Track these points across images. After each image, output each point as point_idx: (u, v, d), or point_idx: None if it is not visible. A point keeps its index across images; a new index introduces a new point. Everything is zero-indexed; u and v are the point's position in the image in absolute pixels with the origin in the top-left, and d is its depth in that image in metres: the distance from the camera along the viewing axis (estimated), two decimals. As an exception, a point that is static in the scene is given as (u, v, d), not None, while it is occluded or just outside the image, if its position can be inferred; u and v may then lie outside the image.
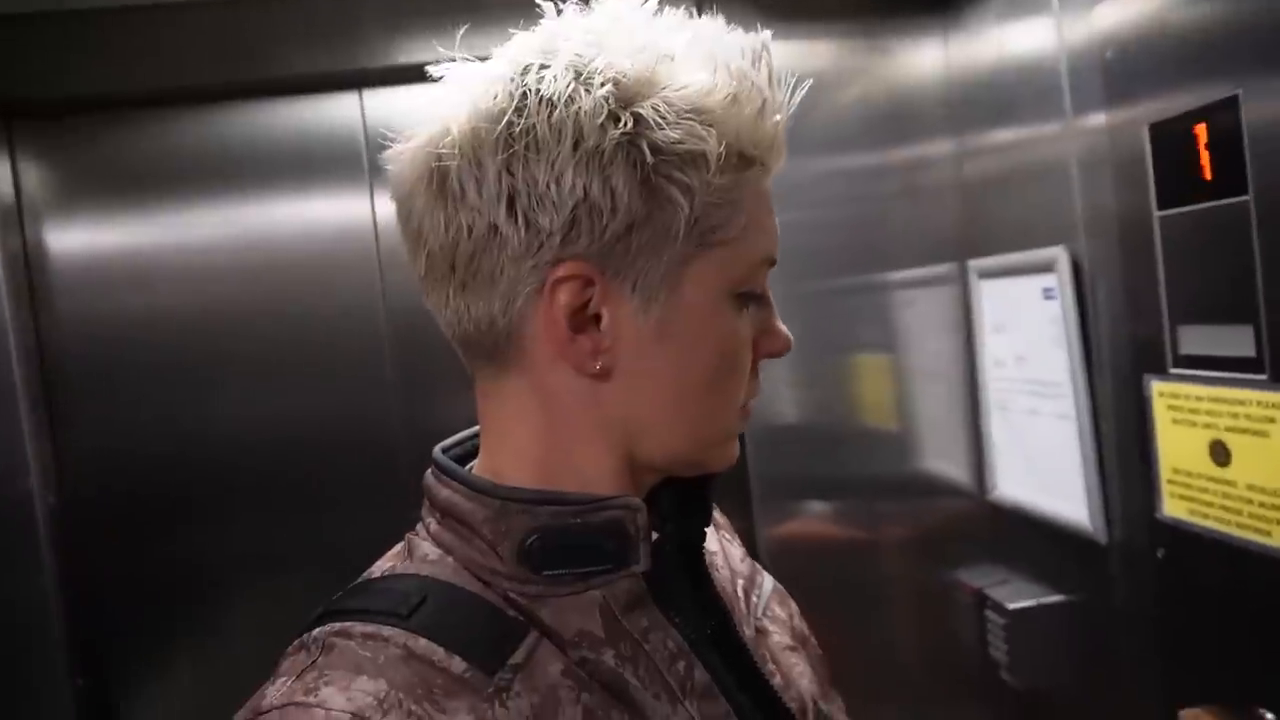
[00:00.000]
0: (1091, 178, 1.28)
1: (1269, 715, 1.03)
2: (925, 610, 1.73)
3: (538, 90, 0.54)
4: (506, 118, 0.54)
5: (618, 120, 0.53)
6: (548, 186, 0.53)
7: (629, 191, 0.53)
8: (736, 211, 0.57)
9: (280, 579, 1.63)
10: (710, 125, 0.54)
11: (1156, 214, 1.13)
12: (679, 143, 0.53)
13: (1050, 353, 1.42)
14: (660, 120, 0.53)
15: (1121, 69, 1.17)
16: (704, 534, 0.67)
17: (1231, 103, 0.99)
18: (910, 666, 1.72)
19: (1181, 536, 1.16)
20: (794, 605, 0.77)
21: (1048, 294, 1.41)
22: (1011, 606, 1.53)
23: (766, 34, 0.59)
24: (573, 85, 0.54)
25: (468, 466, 0.63)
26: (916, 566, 1.73)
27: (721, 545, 0.74)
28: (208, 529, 1.65)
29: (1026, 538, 1.56)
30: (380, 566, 0.62)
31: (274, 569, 1.64)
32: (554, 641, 0.56)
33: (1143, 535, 1.25)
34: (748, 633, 0.67)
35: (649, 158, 0.53)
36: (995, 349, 1.60)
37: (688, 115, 0.54)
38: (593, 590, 0.57)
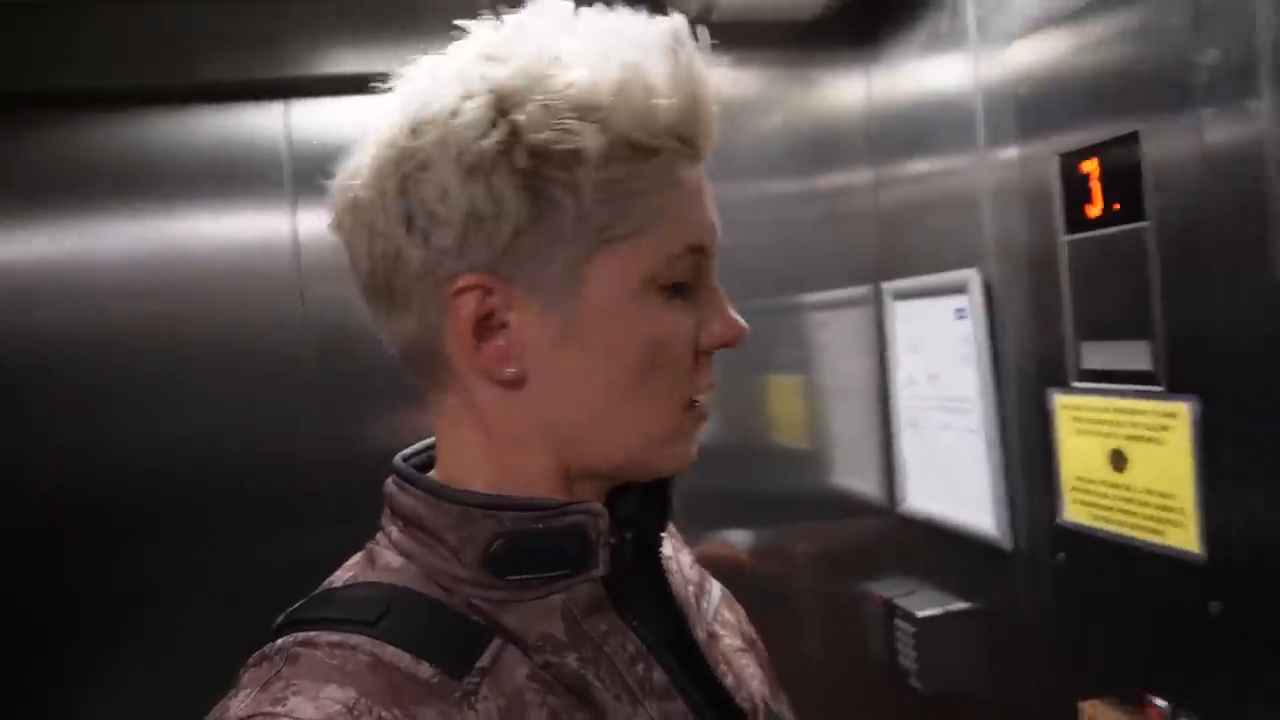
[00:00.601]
0: (1002, 205, 1.37)
1: (1159, 701, 1.11)
2: (837, 621, 1.79)
3: (426, 110, 0.55)
4: (400, 143, 0.56)
5: (495, 128, 0.54)
6: (438, 204, 0.55)
7: (511, 197, 0.54)
8: (636, 204, 0.56)
9: (200, 600, 1.55)
10: (594, 120, 0.54)
11: (1063, 239, 1.23)
12: (555, 143, 0.54)
13: (961, 370, 1.50)
14: (536, 123, 0.54)
15: (1033, 105, 1.27)
16: (660, 538, 0.68)
17: (1133, 138, 1.09)
18: (822, 676, 1.77)
19: (1082, 540, 1.25)
20: (741, 609, 0.79)
21: (959, 314, 1.49)
22: (920, 614, 1.60)
23: (678, 19, 0.58)
24: (456, 101, 0.55)
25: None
26: (829, 579, 1.79)
27: (674, 551, 0.74)
28: (124, 550, 1.56)
29: (935, 548, 1.64)
30: (341, 576, 0.62)
31: (193, 590, 1.56)
32: (518, 646, 0.56)
33: (1045, 541, 1.33)
34: (701, 636, 0.68)
35: (526, 162, 0.54)
36: (908, 367, 1.68)
37: (568, 114, 0.54)
38: (554, 595, 0.58)
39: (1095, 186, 1.16)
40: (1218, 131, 0.98)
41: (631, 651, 0.60)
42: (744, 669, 0.71)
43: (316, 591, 0.60)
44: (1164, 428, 1.10)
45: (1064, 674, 1.29)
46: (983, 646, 1.52)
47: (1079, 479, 1.25)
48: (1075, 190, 1.19)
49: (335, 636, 0.54)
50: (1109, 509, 1.19)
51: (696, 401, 0.61)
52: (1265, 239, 0.94)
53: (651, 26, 0.58)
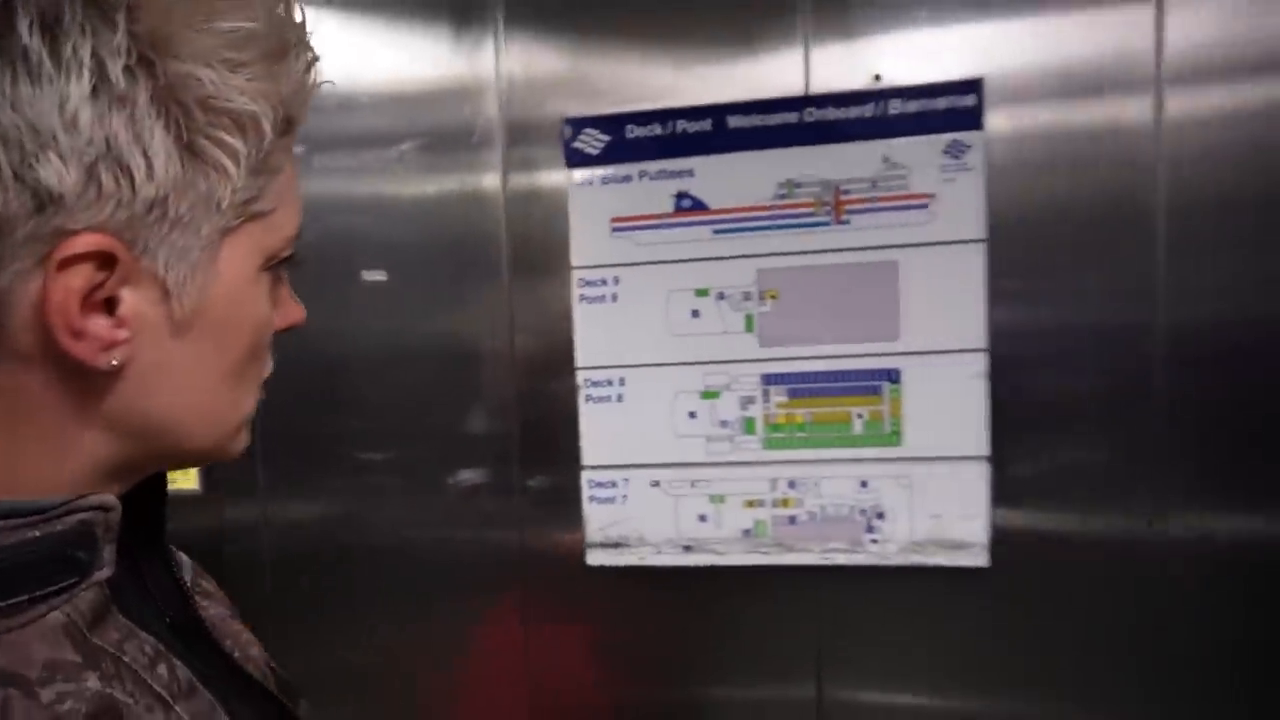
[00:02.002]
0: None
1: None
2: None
3: (31, 8, 0.42)
4: None
5: (151, 67, 0.43)
6: (53, 136, 0.42)
7: (167, 153, 0.44)
8: (274, 178, 0.50)
9: None
10: (264, 81, 0.47)
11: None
12: (229, 101, 0.45)
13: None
14: (207, 73, 0.45)
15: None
16: (164, 518, 0.60)
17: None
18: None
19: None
20: (210, 577, 0.72)
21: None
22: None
23: None
24: (82, 10, 0.42)
25: None
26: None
27: None
28: None
29: None
30: None
31: None
32: (19, 687, 0.44)
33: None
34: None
35: (197, 116, 0.45)
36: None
37: (239, 68, 0.46)
38: (54, 611, 0.47)
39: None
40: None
41: (150, 653, 0.51)
42: (239, 635, 0.66)
43: None
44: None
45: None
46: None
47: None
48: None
49: None
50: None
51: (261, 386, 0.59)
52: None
53: None
